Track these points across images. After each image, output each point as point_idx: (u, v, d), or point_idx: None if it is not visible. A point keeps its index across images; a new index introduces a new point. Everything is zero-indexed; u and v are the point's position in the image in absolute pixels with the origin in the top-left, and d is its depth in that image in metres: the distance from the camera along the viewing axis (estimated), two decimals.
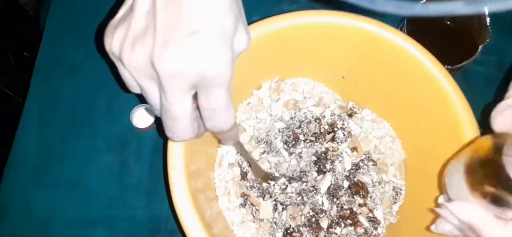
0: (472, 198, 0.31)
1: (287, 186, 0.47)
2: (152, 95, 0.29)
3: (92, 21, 0.59)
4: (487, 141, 0.31)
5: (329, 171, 0.47)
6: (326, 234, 0.45)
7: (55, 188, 0.51)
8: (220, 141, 0.37)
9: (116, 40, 0.28)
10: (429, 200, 0.43)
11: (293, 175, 0.47)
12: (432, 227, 0.36)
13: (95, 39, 0.58)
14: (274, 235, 0.45)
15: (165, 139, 0.35)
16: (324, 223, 0.45)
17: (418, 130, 0.47)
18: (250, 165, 0.47)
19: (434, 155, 0.44)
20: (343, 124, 0.50)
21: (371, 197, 0.47)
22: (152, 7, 0.26)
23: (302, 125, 0.50)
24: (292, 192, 0.46)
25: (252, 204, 0.46)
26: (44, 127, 0.53)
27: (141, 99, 0.54)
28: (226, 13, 0.27)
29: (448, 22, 0.52)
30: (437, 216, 0.36)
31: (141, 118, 0.53)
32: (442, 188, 0.39)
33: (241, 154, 0.47)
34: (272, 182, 0.47)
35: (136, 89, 0.30)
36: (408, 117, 0.48)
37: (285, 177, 0.47)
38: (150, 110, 0.53)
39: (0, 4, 0.98)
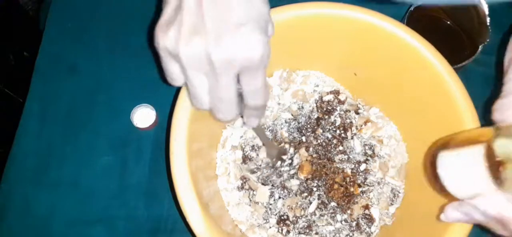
0: (493, 189, 0.32)
1: (293, 157, 0.48)
2: (199, 85, 0.33)
3: (92, 21, 0.59)
4: (489, 132, 0.32)
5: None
6: (317, 218, 0.46)
7: (55, 188, 0.51)
8: (245, 123, 0.40)
9: (170, 37, 0.31)
10: (425, 208, 0.43)
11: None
12: (442, 217, 0.37)
13: (95, 38, 0.58)
14: (268, 220, 0.46)
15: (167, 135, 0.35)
16: (313, 205, 0.46)
17: (424, 136, 0.46)
18: (264, 145, 0.48)
19: None
20: (351, 122, 0.50)
21: (368, 196, 0.48)
22: (199, 5, 0.30)
23: (310, 115, 0.50)
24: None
25: (250, 188, 0.47)
26: (44, 127, 0.53)
27: (141, 98, 0.54)
28: (264, 5, 0.32)
29: (449, 22, 0.52)
30: (446, 203, 0.36)
31: (141, 118, 0.53)
32: (430, 180, 0.38)
33: (257, 134, 0.48)
34: (284, 157, 0.48)
35: (178, 82, 0.34)
36: (415, 121, 0.48)
37: (291, 144, 0.49)
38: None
39: (0, 4, 0.97)
